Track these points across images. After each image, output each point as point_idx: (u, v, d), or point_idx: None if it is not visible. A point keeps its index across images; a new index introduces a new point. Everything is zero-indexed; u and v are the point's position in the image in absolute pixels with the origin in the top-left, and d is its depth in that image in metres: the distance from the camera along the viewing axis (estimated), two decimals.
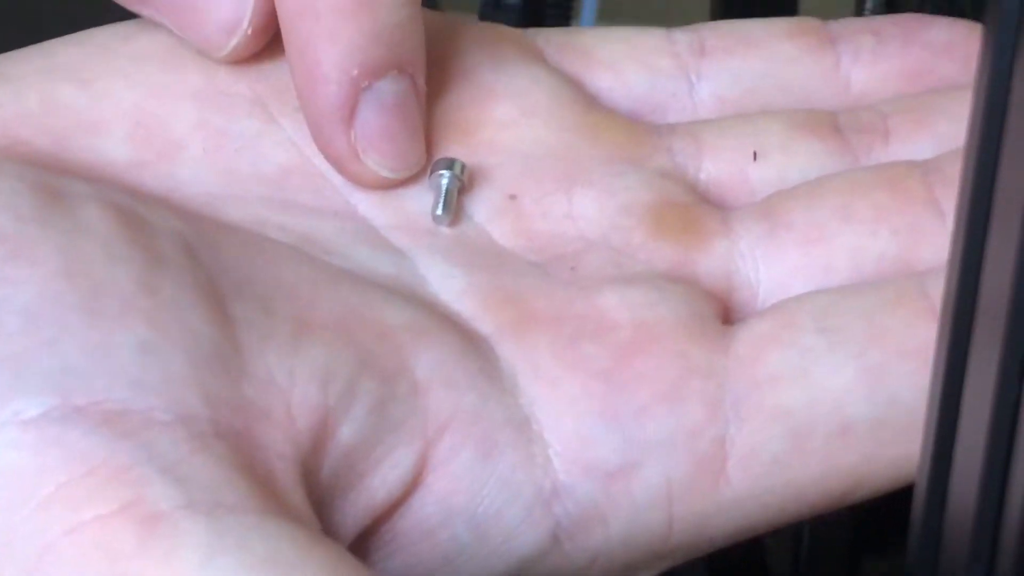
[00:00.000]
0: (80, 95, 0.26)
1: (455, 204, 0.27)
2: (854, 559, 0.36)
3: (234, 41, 0.27)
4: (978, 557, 0.20)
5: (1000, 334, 0.19)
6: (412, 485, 0.23)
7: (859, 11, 0.40)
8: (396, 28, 0.26)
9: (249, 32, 0.27)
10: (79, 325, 0.21)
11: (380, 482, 0.23)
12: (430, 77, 0.28)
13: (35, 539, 0.20)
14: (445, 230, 0.27)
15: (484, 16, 0.41)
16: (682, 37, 0.30)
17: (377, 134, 0.26)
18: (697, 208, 0.27)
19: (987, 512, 0.20)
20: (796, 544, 0.35)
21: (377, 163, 0.26)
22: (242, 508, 0.20)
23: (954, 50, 0.29)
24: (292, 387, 0.22)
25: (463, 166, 0.27)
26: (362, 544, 0.23)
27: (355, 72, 0.26)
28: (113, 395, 0.21)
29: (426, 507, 0.23)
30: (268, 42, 0.28)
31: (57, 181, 0.24)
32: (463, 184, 0.27)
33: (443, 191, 0.27)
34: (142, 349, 0.22)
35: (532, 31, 0.31)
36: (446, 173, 0.27)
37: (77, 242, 0.22)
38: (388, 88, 0.26)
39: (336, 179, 0.27)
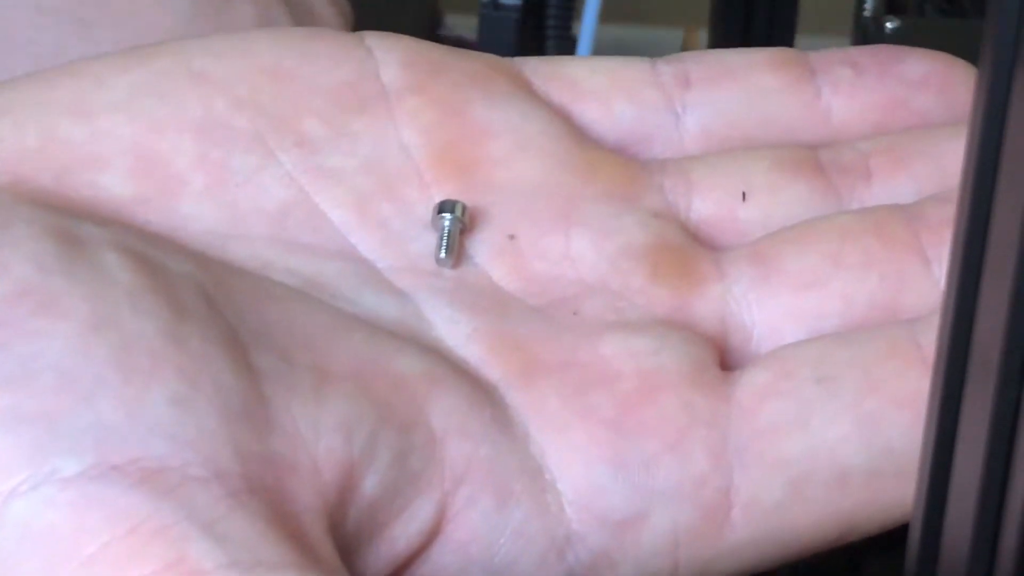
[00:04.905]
0: (79, 129, 0.28)
1: (457, 246, 0.29)
2: (854, 559, 0.38)
3: None
4: (978, 557, 0.21)
5: (1000, 336, 0.20)
6: (431, 535, 0.25)
7: (859, 11, 0.42)
8: None
9: None
10: (113, 380, 0.23)
11: (401, 532, 0.25)
12: (423, 113, 0.30)
13: None
14: (448, 272, 0.28)
15: (484, 17, 0.43)
16: (666, 68, 0.32)
17: None
18: (691, 251, 0.29)
19: (987, 512, 0.21)
20: None
21: None
22: (281, 565, 0.22)
23: (929, 83, 0.32)
24: (317, 440, 0.24)
25: (464, 207, 0.29)
26: None
27: None
28: (150, 452, 0.23)
29: (444, 556, 0.25)
30: (268, 75, 0.29)
31: (72, 225, 0.26)
32: (464, 225, 0.29)
33: (446, 233, 0.29)
34: (175, 404, 0.23)
35: (519, 60, 0.32)
36: (448, 216, 0.29)
37: (103, 294, 0.24)
38: None
39: (335, 218, 0.28)
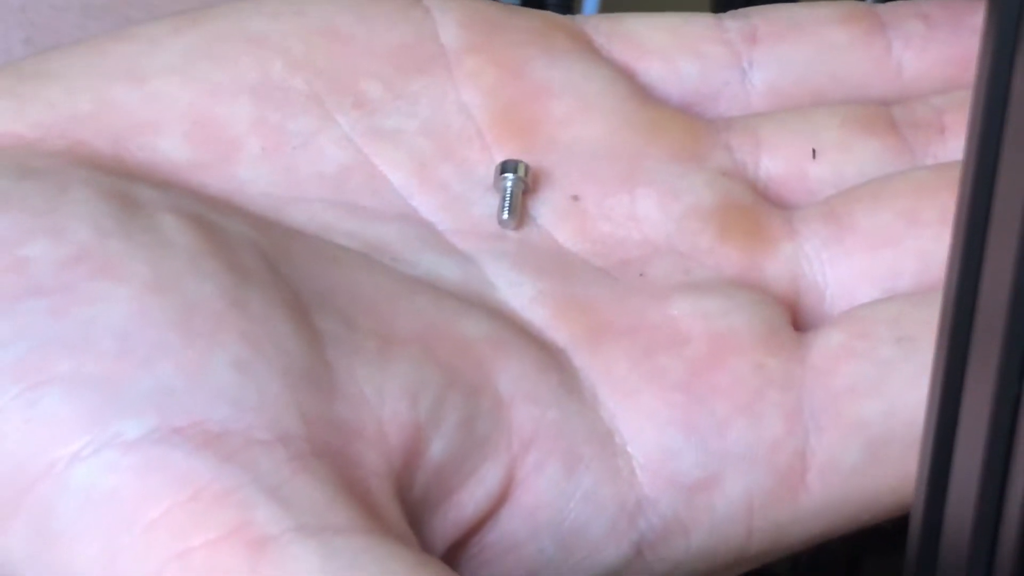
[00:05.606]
0: (134, 93, 0.28)
1: (520, 207, 0.28)
2: (854, 559, 0.38)
3: None
4: (978, 557, 0.21)
5: (1000, 334, 0.20)
6: (499, 500, 0.25)
7: None
8: None
9: None
10: (175, 344, 0.23)
11: (468, 497, 0.25)
12: (483, 73, 0.29)
13: (141, 565, 0.22)
14: (510, 234, 0.28)
15: None
16: (732, 24, 0.31)
17: None
18: (761, 210, 0.29)
19: (987, 512, 0.21)
20: None
21: None
22: (349, 529, 0.22)
23: None
24: (382, 404, 0.24)
25: (527, 167, 0.28)
26: (450, 558, 0.25)
27: None
28: (212, 415, 0.22)
29: (513, 522, 0.25)
30: (325, 36, 0.29)
31: (129, 189, 0.25)
32: (527, 186, 0.28)
33: (508, 194, 0.28)
34: (238, 367, 0.23)
35: (579, 18, 0.32)
36: (511, 176, 0.28)
37: (163, 256, 0.24)
38: None
39: (395, 180, 0.28)
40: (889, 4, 0.32)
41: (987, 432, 0.20)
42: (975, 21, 0.31)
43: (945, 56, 0.31)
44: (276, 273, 0.25)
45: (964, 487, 0.21)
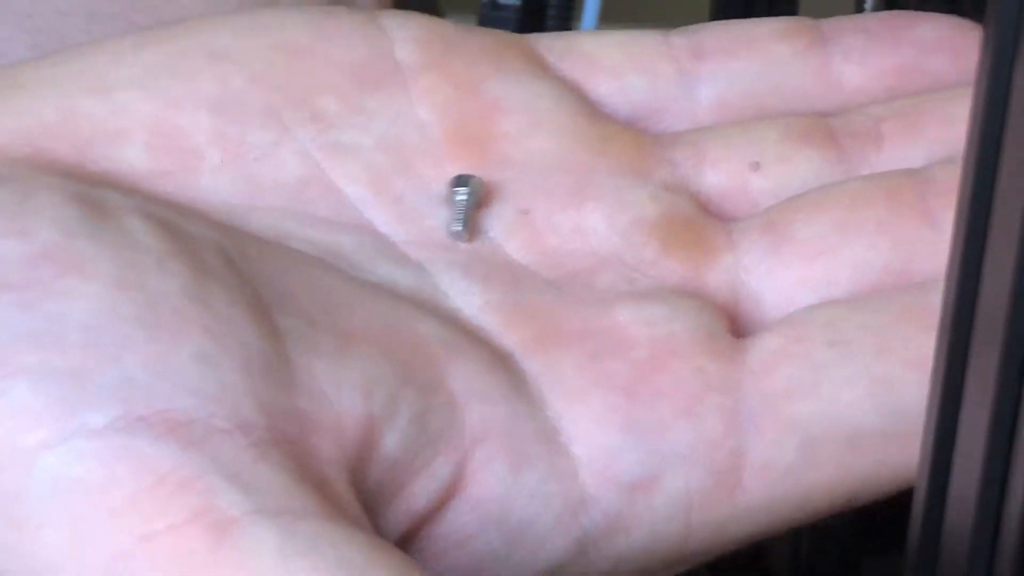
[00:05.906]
0: (98, 105, 0.29)
1: (471, 220, 0.29)
2: (854, 559, 0.39)
3: None
4: (978, 557, 0.22)
5: (1000, 334, 0.21)
6: (449, 494, 0.26)
7: (858, 11, 0.43)
8: None
9: None
10: (139, 338, 0.24)
11: (420, 490, 0.26)
12: (438, 90, 0.30)
13: (106, 548, 0.23)
14: (462, 245, 0.29)
15: (484, 16, 0.44)
16: (680, 41, 0.33)
17: None
18: (703, 222, 0.30)
19: (987, 512, 0.21)
20: (796, 544, 0.38)
21: None
22: (307, 514, 0.23)
23: (942, 46, 0.32)
24: (339, 398, 0.25)
25: (479, 182, 0.30)
26: (402, 549, 0.26)
27: None
28: (175, 405, 0.23)
29: (462, 516, 0.26)
30: (284, 52, 0.30)
31: (95, 193, 0.26)
32: (479, 200, 0.30)
33: (460, 207, 0.29)
34: (200, 360, 0.24)
35: (533, 36, 0.33)
36: (462, 190, 0.29)
37: (129, 255, 0.25)
38: None
39: (351, 193, 0.29)
40: (831, 19, 0.34)
41: (987, 432, 0.21)
42: (914, 34, 0.33)
43: (885, 67, 0.32)
44: (238, 273, 0.26)
45: (964, 487, 0.22)
